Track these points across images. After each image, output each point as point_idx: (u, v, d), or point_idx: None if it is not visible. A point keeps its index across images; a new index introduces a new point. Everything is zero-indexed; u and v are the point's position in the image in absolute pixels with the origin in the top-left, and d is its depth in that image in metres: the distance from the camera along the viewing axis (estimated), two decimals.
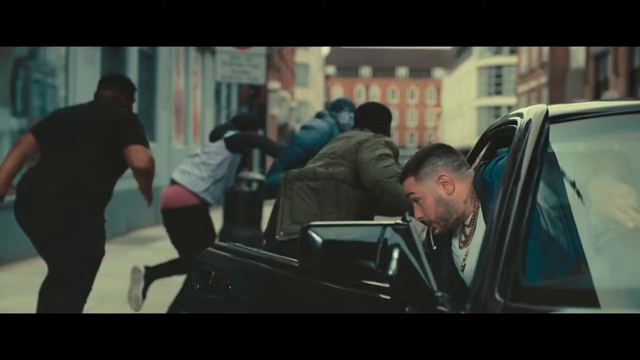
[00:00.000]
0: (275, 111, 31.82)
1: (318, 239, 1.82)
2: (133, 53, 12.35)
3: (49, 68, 9.61)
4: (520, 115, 2.26)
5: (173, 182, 6.41)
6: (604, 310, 1.70)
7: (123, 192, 4.60)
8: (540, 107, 2.17)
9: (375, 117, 4.47)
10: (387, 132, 4.43)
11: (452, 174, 2.53)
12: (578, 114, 2.21)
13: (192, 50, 16.60)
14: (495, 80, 61.57)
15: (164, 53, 14.23)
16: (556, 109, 2.16)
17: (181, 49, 15.66)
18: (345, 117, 5.15)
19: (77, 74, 9.93)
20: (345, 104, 5.25)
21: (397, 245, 1.71)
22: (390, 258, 1.71)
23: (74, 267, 4.19)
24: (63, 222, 4.17)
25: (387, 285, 1.76)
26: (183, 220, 6.17)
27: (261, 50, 12.74)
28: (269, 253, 2.48)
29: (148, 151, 4.28)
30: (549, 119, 2.07)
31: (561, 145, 2.15)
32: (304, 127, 5.20)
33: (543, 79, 38.77)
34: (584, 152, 2.27)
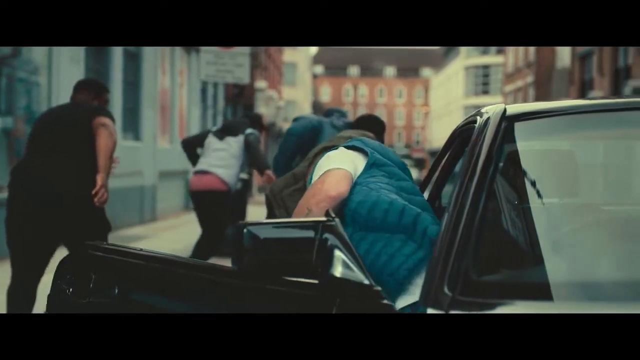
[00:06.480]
0: (262, 110, 31.78)
1: (254, 238, 1.83)
2: (118, 52, 12.32)
3: (32, 66, 9.59)
4: (481, 114, 2.31)
5: (203, 172, 7.10)
6: (556, 303, 1.74)
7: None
8: (499, 107, 2.22)
9: (369, 125, 5.03)
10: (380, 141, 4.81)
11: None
12: (535, 113, 2.25)
13: (178, 49, 16.56)
14: (482, 80, 61.68)
15: (149, 52, 14.19)
16: (514, 108, 2.21)
17: (167, 47, 15.63)
18: (337, 120, 5.92)
19: (60, 72, 9.92)
20: (335, 110, 6.18)
21: (331, 241, 1.74)
22: (327, 255, 1.74)
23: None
24: (77, 209, 4.62)
25: (322, 281, 1.78)
26: (212, 203, 7.04)
27: (245, 49, 12.76)
28: (156, 251, 2.39)
29: (111, 121, 4.72)
30: (506, 118, 2.12)
31: (524, 143, 2.20)
32: (294, 119, 5.98)
33: (529, 79, 38.88)
34: (533, 151, 2.32)
